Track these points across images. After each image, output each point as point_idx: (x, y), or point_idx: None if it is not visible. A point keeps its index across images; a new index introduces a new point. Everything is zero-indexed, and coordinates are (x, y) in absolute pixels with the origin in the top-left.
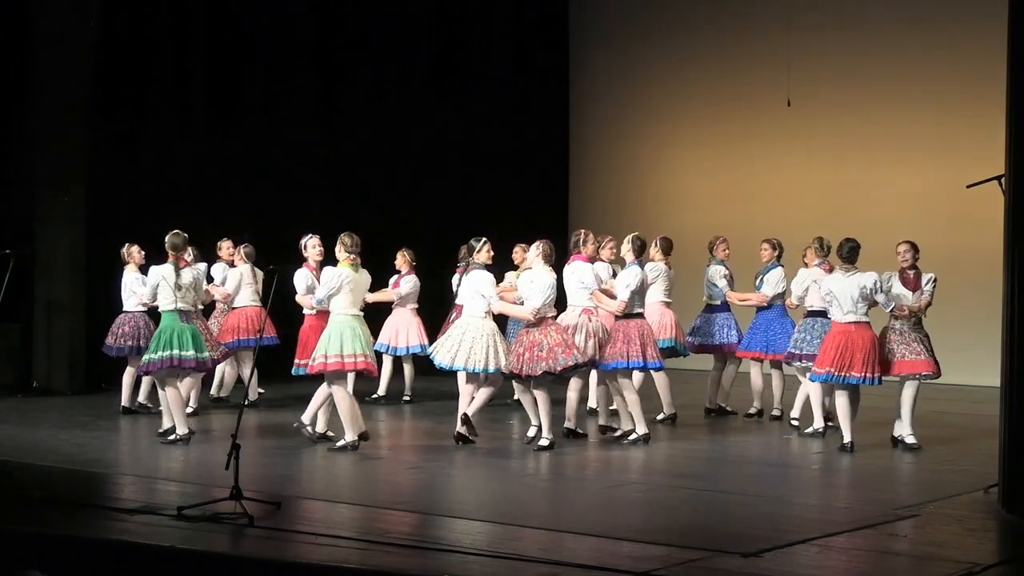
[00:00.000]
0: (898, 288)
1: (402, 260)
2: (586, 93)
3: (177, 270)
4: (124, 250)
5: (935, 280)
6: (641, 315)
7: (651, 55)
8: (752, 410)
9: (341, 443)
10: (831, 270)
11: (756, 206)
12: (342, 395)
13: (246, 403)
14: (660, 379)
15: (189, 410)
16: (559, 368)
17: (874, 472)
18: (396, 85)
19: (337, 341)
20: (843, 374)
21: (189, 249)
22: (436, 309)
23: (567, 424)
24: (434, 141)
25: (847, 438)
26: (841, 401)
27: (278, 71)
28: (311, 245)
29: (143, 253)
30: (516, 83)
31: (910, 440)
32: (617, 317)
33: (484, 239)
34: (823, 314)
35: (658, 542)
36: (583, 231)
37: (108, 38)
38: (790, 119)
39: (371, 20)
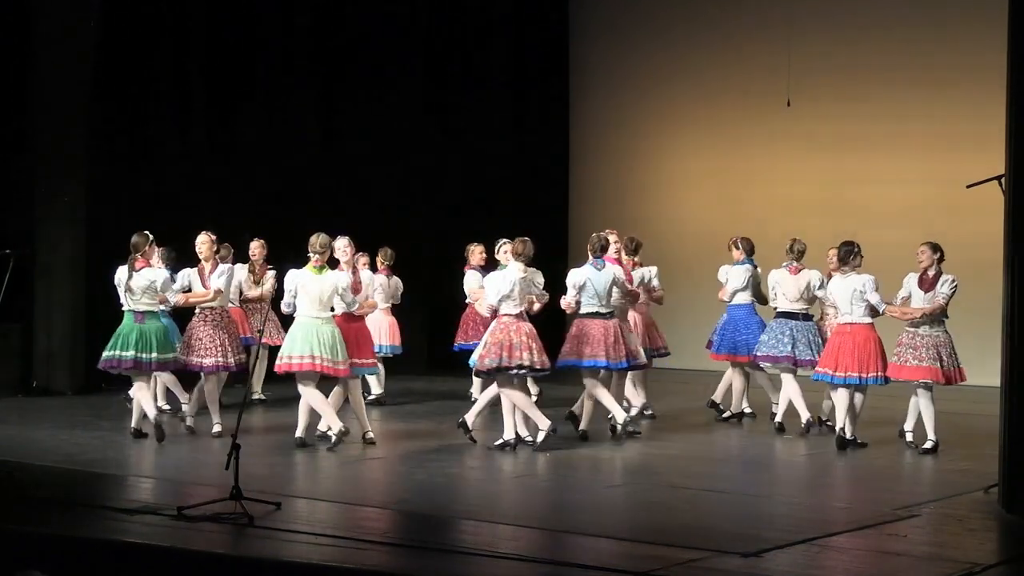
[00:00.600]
0: (914, 290)
1: (377, 260)
2: (586, 92)
3: (131, 272)
4: None
5: (952, 283)
6: (599, 315)
7: (651, 55)
8: (727, 413)
9: (333, 437)
10: (798, 272)
11: (756, 205)
12: (309, 393)
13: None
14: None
15: (190, 410)
16: (491, 367)
17: (874, 472)
18: (396, 85)
19: (289, 343)
20: (839, 374)
21: (159, 250)
22: (436, 308)
23: (574, 408)
24: (434, 141)
25: (845, 432)
26: (839, 396)
27: (278, 71)
28: (339, 247)
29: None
30: (516, 83)
31: (928, 444)
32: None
33: (502, 240)
34: (791, 315)
35: (658, 542)
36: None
37: (108, 38)
38: (790, 119)
39: (371, 20)
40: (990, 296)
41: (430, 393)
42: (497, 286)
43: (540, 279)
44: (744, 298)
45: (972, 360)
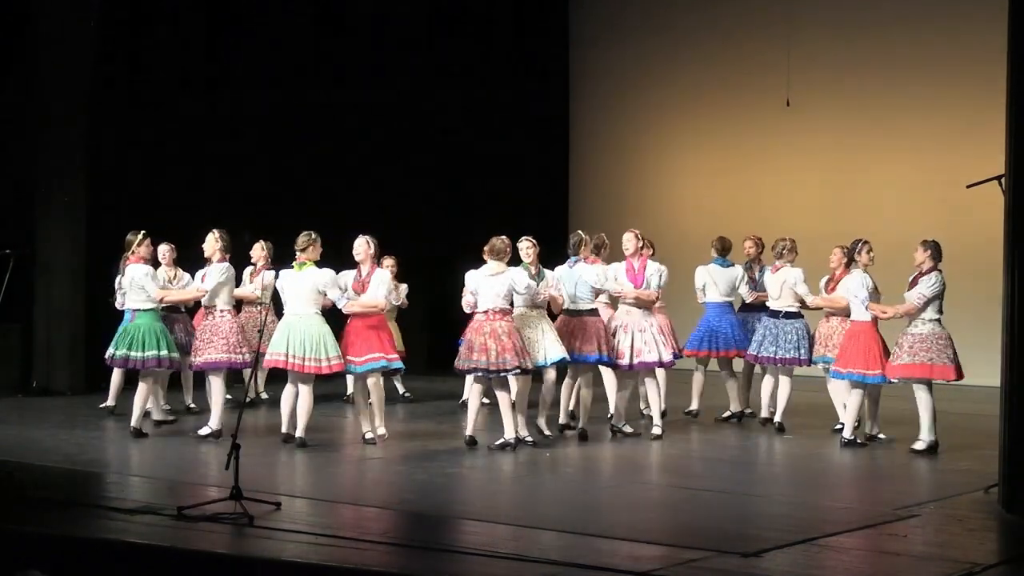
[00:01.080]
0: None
1: None
2: (586, 93)
3: (122, 269)
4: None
5: (931, 284)
6: (567, 312)
7: (651, 55)
8: (690, 408)
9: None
10: (777, 271)
11: (755, 206)
12: (286, 390)
13: (246, 402)
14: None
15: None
16: (461, 367)
17: (874, 472)
18: (396, 86)
19: (272, 340)
20: (839, 370)
21: (161, 248)
22: (436, 308)
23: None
24: (434, 141)
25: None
26: (834, 387)
27: (279, 71)
28: (355, 246)
29: (175, 253)
30: (516, 83)
31: (917, 445)
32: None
33: (524, 239)
34: (773, 313)
35: (658, 542)
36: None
37: (108, 38)
38: (789, 119)
39: (371, 20)
40: (990, 296)
41: (430, 393)
42: (467, 282)
43: (520, 278)
44: (712, 296)
45: (972, 360)
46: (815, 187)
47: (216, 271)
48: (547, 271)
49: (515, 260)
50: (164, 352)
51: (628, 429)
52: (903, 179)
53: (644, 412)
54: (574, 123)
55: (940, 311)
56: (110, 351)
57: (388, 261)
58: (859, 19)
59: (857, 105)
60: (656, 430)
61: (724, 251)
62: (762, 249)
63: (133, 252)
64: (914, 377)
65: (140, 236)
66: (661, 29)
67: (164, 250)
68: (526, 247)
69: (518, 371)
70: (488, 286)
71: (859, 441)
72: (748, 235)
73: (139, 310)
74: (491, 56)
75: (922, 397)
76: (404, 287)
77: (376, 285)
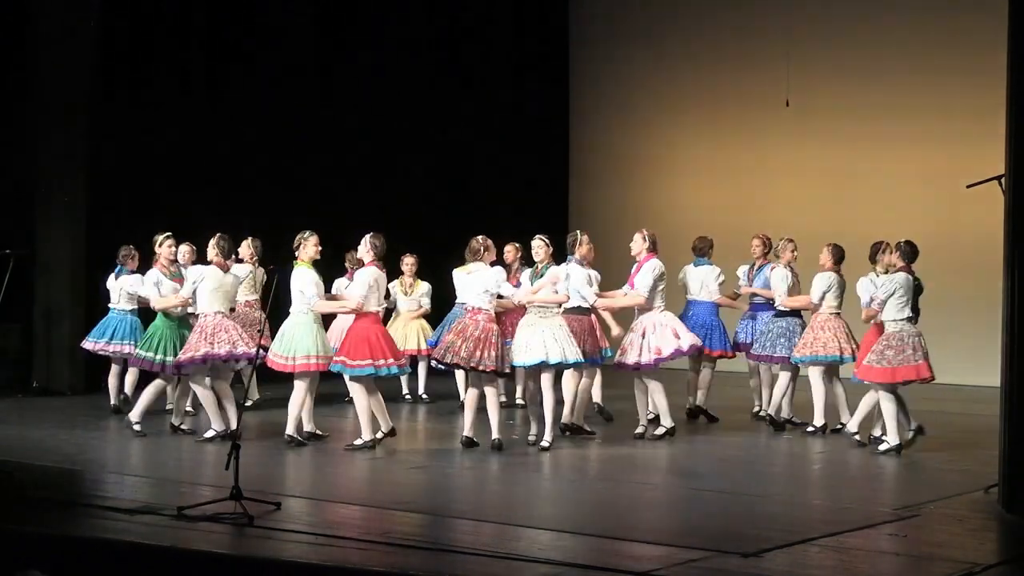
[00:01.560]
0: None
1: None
2: (586, 93)
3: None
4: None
5: (882, 285)
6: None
7: (651, 55)
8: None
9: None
10: (772, 270)
11: (754, 205)
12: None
13: (247, 404)
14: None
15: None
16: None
17: (874, 472)
18: (396, 86)
19: None
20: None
21: (182, 248)
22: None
23: (568, 420)
24: (434, 141)
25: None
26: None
27: (280, 72)
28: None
29: (194, 255)
30: (516, 83)
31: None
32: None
33: (537, 237)
34: (770, 309)
35: (658, 542)
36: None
37: (108, 38)
38: (789, 119)
39: (371, 23)
40: (990, 296)
41: (430, 393)
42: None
43: (490, 277)
44: (692, 295)
45: (972, 360)
46: (815, 187)
47: (188, 276)
48: (553, 268)
49: (528, 260)
50: (155, 356)
51: (639, 430)
52: (903, 179)
53: (649, 412)
54: (574, 123)
55: (902, 312)
56: (122, 348)
57: (409, 259)
58: (859, 19)
59: (857, 105)
60: (660, 430)
61: (697, 250)
62: (769, 248)
63: (156, 255)
64: (857, 377)
65: (161, 238)
66: (661, 29)
67: (184, 250)
68: (537, 246)
69: (458, 367)
70: (465, 284)
71: (859, 440)
72: (756, 233)
73: (136, 309)
74: (491, 56)
75: (873, 397)
76: (424, 286)
77: (353, 286)
